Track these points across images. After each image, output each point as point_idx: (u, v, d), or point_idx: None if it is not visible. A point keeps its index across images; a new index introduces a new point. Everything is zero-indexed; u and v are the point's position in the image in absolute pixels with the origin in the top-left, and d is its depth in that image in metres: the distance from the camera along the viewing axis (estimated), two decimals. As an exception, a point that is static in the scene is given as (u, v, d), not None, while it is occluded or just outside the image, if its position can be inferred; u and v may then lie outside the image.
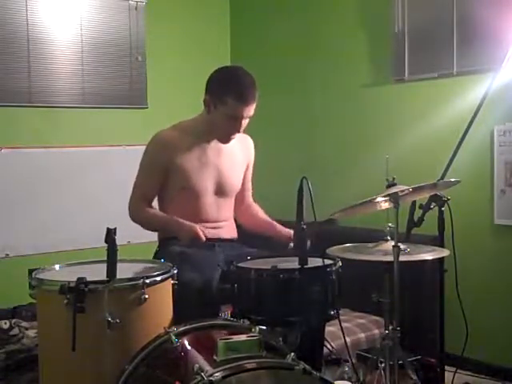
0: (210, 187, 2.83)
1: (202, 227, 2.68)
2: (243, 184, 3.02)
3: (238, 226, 3.04)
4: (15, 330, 3.54)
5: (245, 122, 2.77)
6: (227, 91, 2.68)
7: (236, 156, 2.93)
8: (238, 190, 2.97)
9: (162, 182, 2.81)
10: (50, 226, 4.24)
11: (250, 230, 3.04)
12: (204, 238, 2.64)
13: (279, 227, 2.90)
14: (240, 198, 3.04)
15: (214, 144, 2.85)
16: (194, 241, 2.65)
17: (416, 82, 3.82)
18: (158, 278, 2.21)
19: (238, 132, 2.78)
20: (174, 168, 2.77)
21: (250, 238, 3.01)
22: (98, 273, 2.10)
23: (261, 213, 3.07)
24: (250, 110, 2.72)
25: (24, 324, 3.60)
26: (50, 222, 4.24)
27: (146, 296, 2.13)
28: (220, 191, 2.86)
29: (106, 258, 2.06)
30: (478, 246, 3.52)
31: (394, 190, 2.35)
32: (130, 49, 4.57)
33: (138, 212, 2.82)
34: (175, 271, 2.32)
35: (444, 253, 2.46)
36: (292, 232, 2.79)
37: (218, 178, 2.84)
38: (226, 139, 2.82)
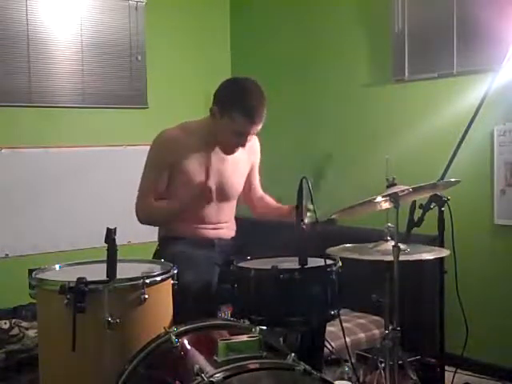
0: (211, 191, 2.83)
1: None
2: (250, 181, 3.03)
3: (240, 226, 3.04)
4: (15, 330, 3.55)
5: (250, 138, 2.76)
6: (236, 107, 2.64)
7: (239, 160, 2.91)
8: (239, 193, 2.97)
9: (166, 181, 2.80)
10: (50, 225, 4.24)
11: (267, 218, 3.05)
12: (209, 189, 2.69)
13: (288, 208, 2.86)
14: (251, 195, 3.06)
15: (217, 149, 2.84)
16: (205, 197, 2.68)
17: (416, 82, 3.82)
18: (158, 278, 2.21)
19: (243, 147, 2.77)
20: (177, 168, 2.76)
21: (250, 238, 3.01)
22: (98, 273, 2.10)
23: (272, 201, 3.07)
24: (257, 128, 2.71)
25: (24, 324, 3.60)
26: (50, 221, 4.25)
27: (146, 296, 2.13)
28: (221, 195, 2.86)
29: (106, 258, 2.06)
30: (478, 246, 3.51)
31: (394, 189, 2.35)
32: (129, 49, 4.57)
33: (146, 210, 2.78)
34: (175, 271, 2.32)
35: (444, 253, 2.46)
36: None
37: (220, 183, 2.84)
38: (229, 151, 2.81)
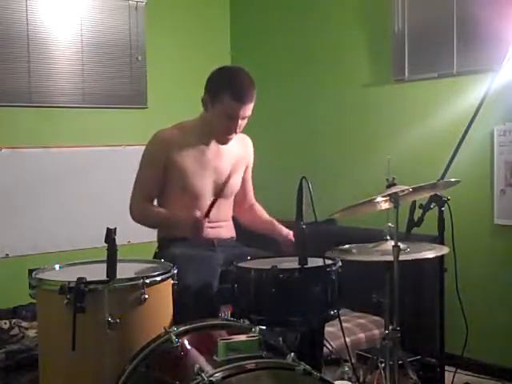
0: (208, 189, 2.83)
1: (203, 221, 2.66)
2: (243, 184, 3.02)
3: (239, 226, 3.04)
4: (15, 330, 3.55)
5: (242, 123, 2.76)
6: (224, 89, 2.68)
7: (235, 157, 2.93)
8: (236, 191, 2.97)
9: (162, 181, 2.81)
10: (49, 226, 4.24)
11: (251, 229, 3.04)
12: (203, 231, 2.62)
13: (278, 227, 2.91)
14: (241, 199, 3.04)
15: (214, 145, 2.84)
16: (196, 233, 2.63)
17: (416, 82, 3.82)
18: (158, 278, 2.21)
19: (235, 132, 2.78)
20: (172, 167, 2.77)
21: (250, 237, 3.01)
22: (98, 273, 2.10)
23: (262, 213, 3.07)
24: (247, 110, 2.72)
25: (24, 324, 3.60)
26: (50, 222, 4.25)
27: (146, 296, 2.13)
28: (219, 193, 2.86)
29: (106, 258, 2.06)
30: (477, 246, 3.51)
31: (393, 190, 2.35)
32: (129, 49, 4.57)
33: (139, 210, 2.81)
34: (175, 271, 2.32)
35: (444, 250, 2.46)
36: (291, 232, 2.81)
37: (217, 179, 2.84)
38: (223, 139, 2.81)
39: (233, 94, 2.66)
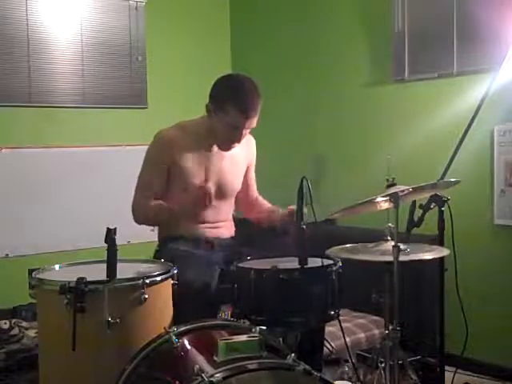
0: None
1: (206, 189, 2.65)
2: (246, 182, 3.02)
3: (238, 226, 3.04)
4: (15, 330, 3.55)
5: (246, 132, 2.75)
6: (230, 100, 2.65)
7: (237, 158, 2.92)
8: (237, 191, 2.97)
9: (166, 182, 2.80)
10: (49, 226, 4.24)
11: (258, 223, 3.01)
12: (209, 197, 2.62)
13: (283, 211, 2.84)
14: (245, 196, 3.04)
15: (215, 148, 2.84)
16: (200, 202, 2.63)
17: (416, 82, 3.82)
18: (158, 278, 2.22)
19: (238, 142, 2.77)
20: (175, 167, 2.77)
21: (249, 238, 3.01)
22: (98, 273, 2.10)
23: (265, 203, 3.05)
24: (252, 123, 2.70)
25: (24, 324, 3.60)
26: (50, 222, 4.24)
27: (146, 296, 2.13)
28: (220, 194, 2.85)
29: (105, 258, 2.06)
30: (477, 246, 3.51)
31: (393, 190, 2.35)
32: (129, 49, 4.57)
33: (143, 209, 2.78)
34: (175, 271, 2.32)
35: (444, 252, 2.46)
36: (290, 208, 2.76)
37: (219, 181, 2.84)
38: (225, 147, 2.81)
39: (238, 107, 2.64)
